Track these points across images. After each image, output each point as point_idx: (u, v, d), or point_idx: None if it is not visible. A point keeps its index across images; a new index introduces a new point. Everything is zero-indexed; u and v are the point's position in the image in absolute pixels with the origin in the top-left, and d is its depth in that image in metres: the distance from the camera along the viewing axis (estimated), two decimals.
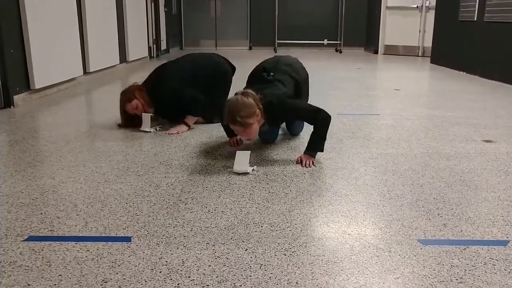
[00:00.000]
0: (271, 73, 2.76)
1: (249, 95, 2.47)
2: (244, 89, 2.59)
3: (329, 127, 2.59)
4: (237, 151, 2.46)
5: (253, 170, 2.45)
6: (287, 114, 2.70)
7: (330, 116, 2.57)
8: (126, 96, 3.32)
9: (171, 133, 3.24)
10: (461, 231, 1.81)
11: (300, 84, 2.86)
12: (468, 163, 2.63)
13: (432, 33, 8.18)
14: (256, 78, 2.81)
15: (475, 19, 6.54)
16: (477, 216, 1.94)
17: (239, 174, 2.42)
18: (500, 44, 5.92)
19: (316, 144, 2.60)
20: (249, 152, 2.45)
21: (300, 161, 2.58)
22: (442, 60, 7.76)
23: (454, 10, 7.19)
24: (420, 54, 9.59)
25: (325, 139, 2.60)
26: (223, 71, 3.53)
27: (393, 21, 9.91)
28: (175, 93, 3.30)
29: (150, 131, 3.27)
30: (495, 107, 4.30)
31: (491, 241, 1.73)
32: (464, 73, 6.83)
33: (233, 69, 3.63)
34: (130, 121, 3.39)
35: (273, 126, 2.85)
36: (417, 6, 9.44)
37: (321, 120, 2.56)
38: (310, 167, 2.52)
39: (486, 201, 2.09)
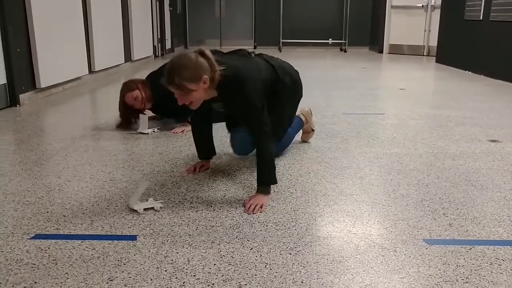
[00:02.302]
0: (253, 55, 2.37)
1: (206, 56, 2.00)
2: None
3: (273, 155, 2.12)
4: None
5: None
6: (239, 99, 2.08)
7: (272, 141, 2.10)
8: (128, 85, 3.25)
9: (175, 132, 3.24)
10: (467, 231, 1.80)
11: (281, 85, 2.35)
12: (474, 163, 2.62)
13: (438, 32, 8.15)
14: (234, 52, 2.33)
15: (481, 18, 6.51)
16: (483, 216, 1.93)
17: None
18: (506, 43, 5.89)
19: (264, 174, 2.05)
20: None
21: (243, 204, 2.02)
22: (447, 59, 7.73)
23: (459, 9, 7.16)
24: (425, 54, 9.56)
25: (272, 167, 2.06)
26: None
27: (398, 20, 9.89)
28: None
29: (147, 133, 3.24)
30: (500, 106, 4.28)
31: (497, 241, 1.72)
32: (470, 72, 6.80)
33: None
34: (128, 114, 3.30)
35: (228, 110, 2.34)
36: (422, 5, 9.41)
37: (262, 137, 2.05)
38: (256, 213, 1.94)
39: (492, 201, 2.09)
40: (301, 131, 3.00)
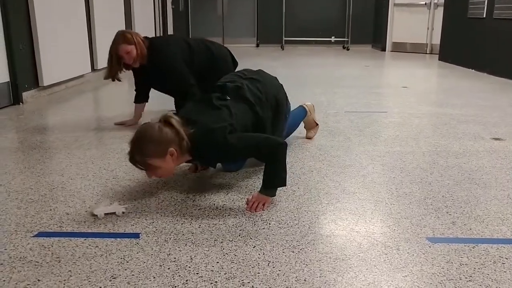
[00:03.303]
0: (227, 97, 2.14)
1: (170, 124, 1.89)
2: (174, 112, 2.03)
3: (286, 154, 2.00)
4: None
5: None
6: (220, 156, 2.05)
7: (281, 144, 1.97)
8: (126, 37, 3.03)
9: None
10: (470, 229, 1.80)
11: (263, 121, 2.20)
12: (477, 161, 2.61)
13: (441, 30, 8.13)
14: (206, 98, 2.14)
15: (484, 16, 6.48)
16: (487, 214, 1.93)
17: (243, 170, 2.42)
18: (510, 41, 5.87)
19: (272, 179, 1.98)
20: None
21: (246, 203, 1.98)
22: (450, 57, 7.71)
23: (462, 7, 7.13)
24: (428, 52, 9.53)
25: (283, 171, 1.99)
26: (224, 66, 3.26)
27: (401, 18, 9.85)
28: (171, 64, 3.06)
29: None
30: (504, 105, 4.27)
31: (500, 239, 1.72)
32: (473, 70, 6.78)
33: (235, 65, 3.40)
34: (115, 67, 3.06)
35: (209, 165, 2.28)
36: (425, 3, 9.38)
37: (269, 154, 1.97)
38: (258, 211, 1.93)
39: (495, 199, 2.08)
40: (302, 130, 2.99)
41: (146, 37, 3.20)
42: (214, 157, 2.07)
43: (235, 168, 2.42)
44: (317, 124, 3.04)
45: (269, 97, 2.27)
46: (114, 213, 1.90)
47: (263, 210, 1.95)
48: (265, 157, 1.99)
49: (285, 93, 2.49)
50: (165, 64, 3.10)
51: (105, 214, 1.88)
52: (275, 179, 1.98)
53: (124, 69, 3.15)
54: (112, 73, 3.12)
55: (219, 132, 1.93)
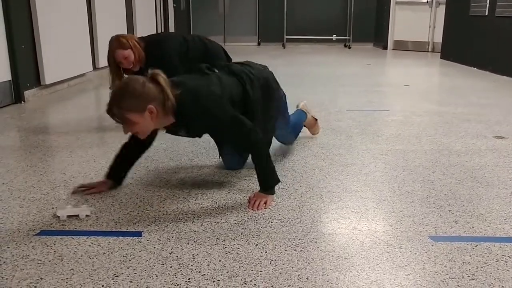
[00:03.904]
0: (215, 69, 2.12)
1: (157, 81, 1.82)
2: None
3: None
4: None
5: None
6: (207, 121, 1.92)
7: (264, 143, 1.99)
8: (120, 42, 2.99)
9: None
10: (473, 227, 1.79)
11: (252, 100, 2.11)
12: (479, 160, 2.61)
13: (442, 28, 8.11)
14: (195, 67, 2.11)
15: (486, 14, 6.47)
16: (489, 213, 1.92)
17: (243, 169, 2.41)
18: None
19: (265, 181, 2.00)
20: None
21: (248, 201, 2.00)
22: (452, 55, 7.69)
23: (464, 5, 7.12)
24: (430, 50, 9.51)
25: (271, 169, 1.99)
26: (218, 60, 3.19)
27: (403, 16, 9.84)
28: (167, 61, 3.00)
29: None
30: (506, 103, 4.26)
31: (503, 237, 1.71)
32: (475, 68, 6.76)
33: (229, 60, 3.31)
34: (117, 73, 3.04)
35: (192, 134, 2.12)
36: (427, 1, 9.36)
37: (253, 146, 1.96)
38: (260, 209, 1.93)
39: (498, 198, 2.08)
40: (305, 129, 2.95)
41: (141, 38, 3.17)
42: (198, 124, 1.97)
43: (238, 166, 2.41)
44: (316, 119, 3.00)
45: (258, 76, 2.19)
46: (77, 215, 1.85)
47: (265, 208, 1.95)
48: (249, 146, 1.98)
49: (276, 80, 2.36)
50: (162, 59, 3.07)
51: (68, 216, 1.84)
52: (268, 180, 2.00)
53: (124, 74, 3.11)
54: (115, 81, 3.08)
55: (213, 100, 1.90)
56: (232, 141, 2.15)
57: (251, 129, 1.93)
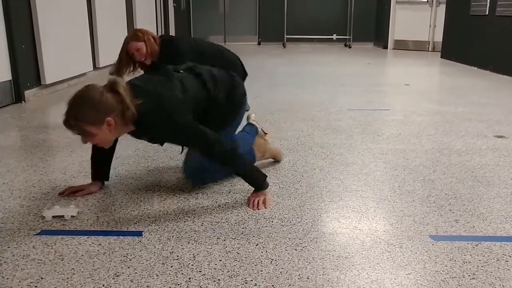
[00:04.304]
0: (180, 70, 2.04)
1: (116, 91, 1.74)
2: (129, 80, 1.89)
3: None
4: None
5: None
6: (165, 131, 1.85)
7: (228, 150, 1.91)
8: (136, 35, 3.04)
9: None
10: (473, 227, 1.79)
11: (216, 102, 2.03)
12: (480, 159, 2.61)
13: (443, 27, 8.11)
14: (160, 69, 2.04)
15: (487, 13, 6.46)
16: (490, 212, 1.92)
17: None
18: None
19: (251, 183, 1.99)
20: None
21: (248, 202, 1.99)
22: (452, 55, 7.69)
23: (465, 4, 7.11)
24: (430, 49, 9.51)
25: (250, 171, 1.97)
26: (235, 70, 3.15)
27: (403, 16, 9.83)
28: (181, 60, 3.06)
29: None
30: (507, 102, 4.26)
31: (504, 237, 1.71)
32: (476, 68, 6.76)
33: (244, 75, 3.32)
34: (123, 61, 3.06)
35: (156, 142, 2.01)
36: (428, 0, 9.35)
37: (220, 155, 1.90)
38: (260, 209, 1.93)
39: (498, 197, 2.08)
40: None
41: (160, 35, 3.23)
42: (158, 132, 1.88)
43: (197, 181, 2.20)
44: (265, 133, 2.56)
45: (223, 79, 2.11)
46: (62, 216, 1.84)
47: (265, 208, 1.95)
48: (215, 155, 1.91)
49: (243, 89, 2.23)
50: (176, 57, 3.09)
51: (53, 216, 1.83)
52: (254, 182, 1.99)
53: (138, 67, 3.15)
54: (119, 70, 3.11)
55: (170, 108, 1.81)
56: (195, 148, 2.04)
57: (215, 141, 1.87)
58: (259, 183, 1.99)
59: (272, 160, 2.52)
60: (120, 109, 1.73)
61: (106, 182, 2.20)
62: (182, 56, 3.06)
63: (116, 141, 2.13)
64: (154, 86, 1.86)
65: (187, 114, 1.88)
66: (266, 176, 2.03)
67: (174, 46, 3.13)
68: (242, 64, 3.37)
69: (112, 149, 2.16)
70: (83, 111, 1.71)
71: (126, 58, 3.09)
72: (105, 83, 1.79)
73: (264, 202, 1.96)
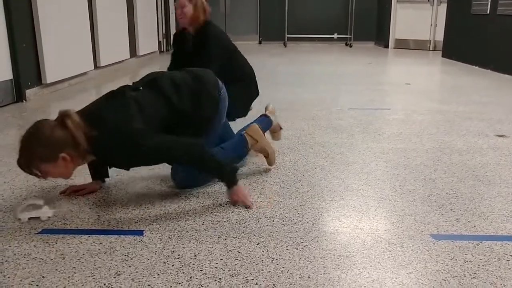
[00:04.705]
0: (140, 87, 1.94)
1: (65, 125, 1.70)
2: (81, 110, 1.84)
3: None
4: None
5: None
6: (128, 160, 1.86)
7: (194, 144, 1.87)
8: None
9: None
10: (474, 226, 1.79)
11: (183, 112, 1.97)
12: (481, 158, 2.61)
13: (444, 26, 8.10)
14: (117, 91, 1.93)
15: (488, 12, 6.45)
16: (491, 212, 1.92)
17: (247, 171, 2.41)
18: None
19: (224, 180, 1.96)
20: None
21: (233, 203, 1.98)
22: (454, 54, 7.68)
23: (466, 3, 7.10)
24: (431, 48, 9.50)
25: (221, 170, 1.93)
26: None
27: (404, 15, 9.82)
28: (215, 40, 2.98)
29: None
30: (508, 101, 4.25)
31: (505, 236, 1.71)
32: (477, 67, 6.75)
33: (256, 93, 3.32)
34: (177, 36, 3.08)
35: (118, 167, 2.00)
36: (429, 0, 9.34)
37: (186, 156, 1.87)
38: (243, 203, 1.94)
39: (499, 196, 2.07)
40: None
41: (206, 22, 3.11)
42: (120, 160, 1.87)
43: (191, 184, 2.18)
44: (281, 128, 2.52)
45: (187, 82, 2.03)
46: (39, 217, 1.83)
47: (246, 203, 1.94)
48: (185, 161, 1.91)
49: (216, 87, 2.14)
50: (211, 37, 3.01)
51: (29, 218, 1.82)
52: (226, 180, 1.94)
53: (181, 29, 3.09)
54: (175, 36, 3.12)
55: (126, 135, 1.75)
56: (175, 162, 2.04)
57: (190, 144, 1.86)
58: (227, 178, 1.94)
59: (262, 156, 2.43)
60: (72, 144, 1.71)
61: (106, 180, 2.21)
62: (215, 43, 2.99)
63: None
64: (108, 113, 1.80)
65: (148, 133, 1.80)
66: (237, 169, 2.01)
67: (212, 31, 3.04)
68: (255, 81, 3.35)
69: None
70: (35, 150, 1.68)
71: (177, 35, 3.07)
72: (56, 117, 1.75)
73: (246, 197, 1.96)
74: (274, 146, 2.83)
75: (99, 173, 2.16)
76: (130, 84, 2.00)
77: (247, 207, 1.95)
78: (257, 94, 3.29)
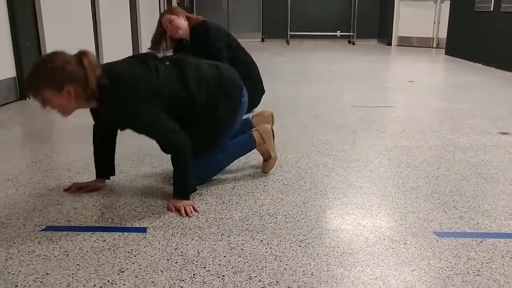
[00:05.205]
0: (167, 62, 1.96)
1: (82, 62, 1.72)
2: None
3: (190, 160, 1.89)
4: None
5: None
6: (124, 120, 1.84)
7: (185, 146, 1.86)
8: (174, 9, 3.27)
9: None
10: (478, 223, 1.79)
11: (192, 101, 1.95)
12: (484, 156, 2.60)
13: (447, 24, 8.07)
14: (141, 55, 1.99)
15: (491, 9, 6.43)
16: (494, 209, 1.92)
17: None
18: None
19: (179, 183, 1.92)
20: None
21: (170, 208, 1.89)
22: (457, 51, 7.66)
23: (469, 1, 7.08)
24: (434, 46, 9.47)
25: (187, 175, 1.91)
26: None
27: (407, 12, 9.79)
28: (213, 37, 3.21)
29: None
30: (511, 99, 4.24)
31: (508, 234, 1.71)
32: (480, 64, 6.73)
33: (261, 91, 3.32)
34: (159, 37, 3.27)
35: (114, 125, 2.03)
36: None
37: (174, 149, 1.88)
38: (190, 215, 1.83)
39: (503, 194, 2.07)
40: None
41: (203, 20, 3.35)
42: (119, 116, 1.83)
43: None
44: (272, 156, 2.29)
45: (209, 80, 2.01)
46: None
47: (196, 212, 1.87)
48: (168, 145, 1.93)
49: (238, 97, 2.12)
50: (209, 35, 3.21)
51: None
52: (181, 183, 1.92)
53: (169, 41, 3.28)
54: (155, 43, 3.28)
55: (134, 93, 1.78)
56: (155, 136, 1.98)
57: (173, 131, 1.86)
58: (186, 190, 1.93)
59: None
60: (82, 81, 1.72)
61: (111, 178, 2.20)
62: (213, 42, 3.12)
63: (115, 135, 2.13)
64: (129, 70, 1.84)
65: (151, 104, 1.82)
66: (195, 190, 2.03)
67: (206, 31, 3.22)
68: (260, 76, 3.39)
69: (113, 144, 2.16)
70: (45, 73, 1.69)
71: (160, 31, 3.24)
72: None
73: (194, 209, 1.87)
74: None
75: (104, 170, 2.15)
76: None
77: (180, 214, 1.86)
78: (263, 91, 3.31)
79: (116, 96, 1.77)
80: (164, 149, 2.09)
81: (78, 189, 2.09)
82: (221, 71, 2.08)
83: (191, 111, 1.98)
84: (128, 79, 1.81)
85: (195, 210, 1.87)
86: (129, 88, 1.79)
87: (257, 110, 2.95)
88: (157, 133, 1.91)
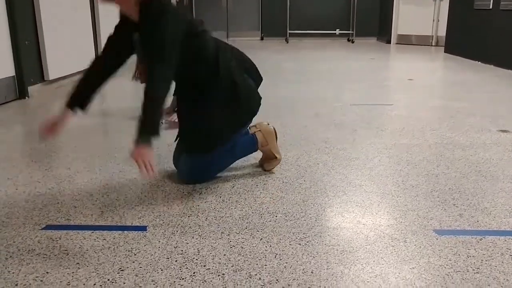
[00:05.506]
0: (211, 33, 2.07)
1: None
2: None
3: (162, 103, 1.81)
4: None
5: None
6: (153, 30, 1.86)
7: (161, 89, 1.80)
8: None
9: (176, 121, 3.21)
10: (477, 221, 1.79)
11: (215, 77, 2.01)
12: (484, 153, 2.60)
13: (446, 22, 8.07)
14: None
15: (491, 7, 6.43)
16: (494, 207, 1.92)
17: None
18: None
19: (147, 119, 1.77)
20: None
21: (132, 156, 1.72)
22: (456, 49, 7.65)
23: None
24: (433, 44, 9.46)
25: (159, 113, 1.79)
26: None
27: (406, 10, 9.79)
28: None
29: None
30: (510, 97, 4.24)
31: (508, 231, 1.71)
32: (479, 62, 6.73)
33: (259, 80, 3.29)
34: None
35: (141, 46, 2.03)
36: None
37: (156, 71, 1.82)
38: (142, 176, 1.80)
39: (502, 192, 2.07)
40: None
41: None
42: (147, 31, 1.90)
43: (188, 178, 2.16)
44: (277, 157, 2.29)
45: (231, 64, 2.07)
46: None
47: (150, 168, 1.69)
48: (155, 67, 1.83)
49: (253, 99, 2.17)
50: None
51: None
52: (150, 131, 1.75)
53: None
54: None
55: (171, 17, 1.88)
56: (147, 58, 1.96)
57: (167, 68, 1.82)
58: (150, 133, 1.75)
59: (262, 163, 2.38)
60: None
61: (80, 112, 2.08)
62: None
63: (110, 74, 2.15)
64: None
65: (177, 32, 1.88)
66: (159, 135, 1.78)
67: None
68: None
69: (102, 81, 2.11)
70: None
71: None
72: None
73: (152, 168, 1.70)
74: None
75: (78, 99, 2.02)
76: None
77: (142, 174, 1.71)
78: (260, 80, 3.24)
79: (158, 3, 1.90)
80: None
81: (50, 132, 2.00)
82: (248, 82, 2.17)
83: (209, 82, 2.03)
84: (171, 9, 1.92)
85: (152, 169, 1.69)
86: (169, 11, 1.89)
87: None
88: (159, 56, 1.83)
